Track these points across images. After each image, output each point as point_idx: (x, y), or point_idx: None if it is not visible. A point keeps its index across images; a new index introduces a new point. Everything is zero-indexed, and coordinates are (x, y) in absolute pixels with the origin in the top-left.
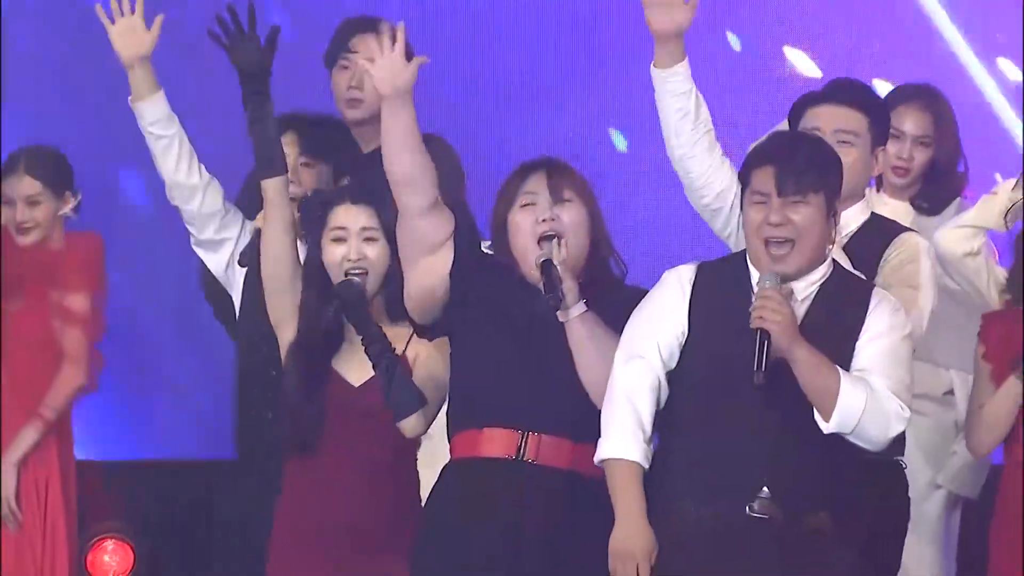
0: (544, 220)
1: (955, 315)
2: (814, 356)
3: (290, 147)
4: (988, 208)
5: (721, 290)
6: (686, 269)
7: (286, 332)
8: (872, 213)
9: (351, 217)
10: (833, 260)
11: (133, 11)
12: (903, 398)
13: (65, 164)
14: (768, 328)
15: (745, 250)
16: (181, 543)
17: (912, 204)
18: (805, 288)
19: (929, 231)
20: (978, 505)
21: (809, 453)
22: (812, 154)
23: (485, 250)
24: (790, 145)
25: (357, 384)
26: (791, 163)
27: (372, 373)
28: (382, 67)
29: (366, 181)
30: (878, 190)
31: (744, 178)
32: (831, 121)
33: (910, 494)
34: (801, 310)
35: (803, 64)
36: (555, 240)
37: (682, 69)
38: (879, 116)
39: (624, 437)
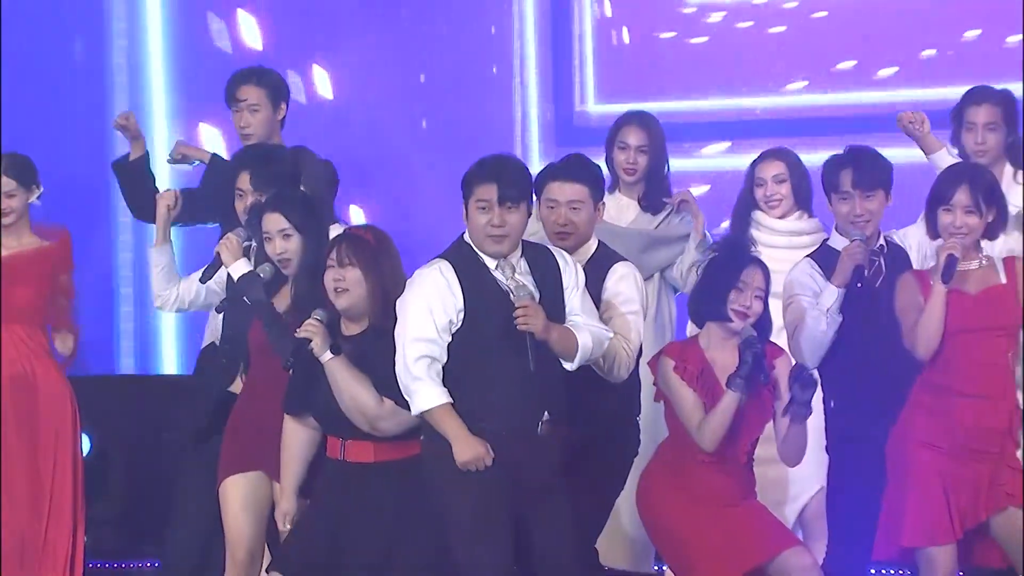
0: (335, 279)
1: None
2: (561, 332)
3: (244, 182)
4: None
5: (473, 274)
6: (444, 265)
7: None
8: (599, 243)
9: (271, 222)
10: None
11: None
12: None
13: (31, 164)
14: (532, 330)
15: (462, 243)
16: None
17: (639, 204)
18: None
19: (648, 224)
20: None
21: (560, 389)
22: (521, 171)
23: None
24: (502, 164)
25: None
26: (509, 177)
27: None
28: None
29: (284, 192)
30: (612, 192)
31: (469, 188)
32: (564, 194)
33: None
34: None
35: None
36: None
37: None
38: (597, 185)
39: (431, 389)
